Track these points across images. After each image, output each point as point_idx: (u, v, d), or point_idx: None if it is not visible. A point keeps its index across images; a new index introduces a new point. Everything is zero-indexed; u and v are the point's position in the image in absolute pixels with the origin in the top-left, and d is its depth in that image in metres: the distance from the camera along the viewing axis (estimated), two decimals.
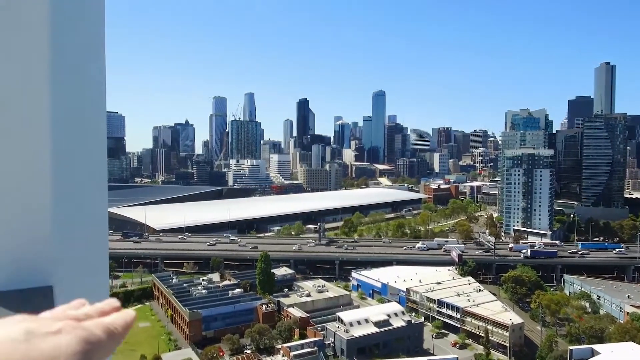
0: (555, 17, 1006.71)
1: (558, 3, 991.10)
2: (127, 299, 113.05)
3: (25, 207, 1.91)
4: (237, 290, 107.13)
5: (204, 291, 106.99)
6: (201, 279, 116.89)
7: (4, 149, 1.85)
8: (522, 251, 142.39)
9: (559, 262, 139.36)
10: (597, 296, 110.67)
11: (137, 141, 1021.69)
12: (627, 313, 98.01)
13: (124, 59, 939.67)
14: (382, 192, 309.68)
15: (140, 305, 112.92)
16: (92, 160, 2.12)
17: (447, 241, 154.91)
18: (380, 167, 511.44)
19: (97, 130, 2.12)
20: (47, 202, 1.93)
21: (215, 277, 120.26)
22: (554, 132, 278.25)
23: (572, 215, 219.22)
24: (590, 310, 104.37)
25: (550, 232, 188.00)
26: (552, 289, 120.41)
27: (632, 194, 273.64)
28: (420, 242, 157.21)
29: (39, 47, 1.85)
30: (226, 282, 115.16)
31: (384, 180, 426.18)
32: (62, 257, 1.99)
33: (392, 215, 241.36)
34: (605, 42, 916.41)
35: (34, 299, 1.82)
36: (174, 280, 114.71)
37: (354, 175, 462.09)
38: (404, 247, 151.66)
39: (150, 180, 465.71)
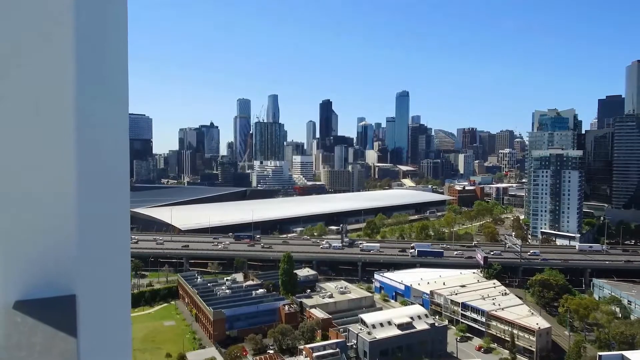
0: (584, 14, 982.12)
1: (588, 0, 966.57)
2: (153, 298, 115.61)
3: (50, 216, 1.94)
4: (260, 290, 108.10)
5: (227, 291, 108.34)
6: (225, 279, 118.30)
7: (30, 160, 1.88)
8: (410, 251, 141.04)
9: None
10: (628, 301, 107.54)
11: (164, 143, 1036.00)
12: None
13: (150, 63, 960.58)
14: (405, 193, 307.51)
15: (165, 304, 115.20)
16: (115, 167, 2.14)
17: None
18: (404, 168, 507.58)
19: (120, 137, 2.14)
20: (71, 211, 1.96)
21: (239, 277, 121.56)
22: (583, 132, 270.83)
23: (602, 218, 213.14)
24: (620, 316, 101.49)
25: (579, 235, 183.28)
26: (580, 294, 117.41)
27: None
28: (325, 240, 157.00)
29: (65, 50, 1.87)
30: (250, 282, 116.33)
31: (407, 182, 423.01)
32: (85, 266, 2.02)
33: (416, 216, 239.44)
34: (637, 40, 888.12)
35: (57, 307, 1.86)
36: (199, 279, 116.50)
37: (376, 176, 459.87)
38: (320, 246, 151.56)
39: (176, 181, 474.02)
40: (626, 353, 74.96)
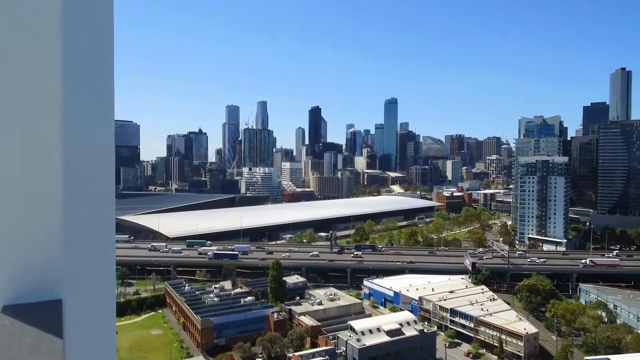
0: (570, 23, 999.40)
1: (573, 9, 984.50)
2: (140, 306, 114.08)
3: (37, 221, 1.96)
4: (249, 298, 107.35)
5: (216, 299, 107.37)
6: (213, 286, 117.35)
7: (16, 166, 1.89)
8: (207, 254, 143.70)
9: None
10: (614, 305, 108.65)
11: (152, 150, 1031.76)
12: None
13: (138, 69, 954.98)
14: (394, 199, 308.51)
15: (152, 313, 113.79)
16: (101, 172, 2.16)
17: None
18: (393, 174, 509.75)
19: (106, 143, 2.15)
20: (57, 215, 1.98)
21: (227, 284, 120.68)
22: (568, 139, 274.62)
23: (587, 223, 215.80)
24: (606, 320, 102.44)
25: (565, 241, 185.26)
26: (567, 298, 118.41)
27: None
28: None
29: (52, 55, 1.90)
30: (238, 290, 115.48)
31: (396, 188, 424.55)
32: (72, 270, 2.06)
33: (405, 223, 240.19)
34: (621, 48, 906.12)
35: (44, 312, 1.91)
36: (187, 287, 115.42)
37: (365, 183, 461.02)
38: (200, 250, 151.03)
39: (164, 188, 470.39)
40: (612, 357, 75.74)
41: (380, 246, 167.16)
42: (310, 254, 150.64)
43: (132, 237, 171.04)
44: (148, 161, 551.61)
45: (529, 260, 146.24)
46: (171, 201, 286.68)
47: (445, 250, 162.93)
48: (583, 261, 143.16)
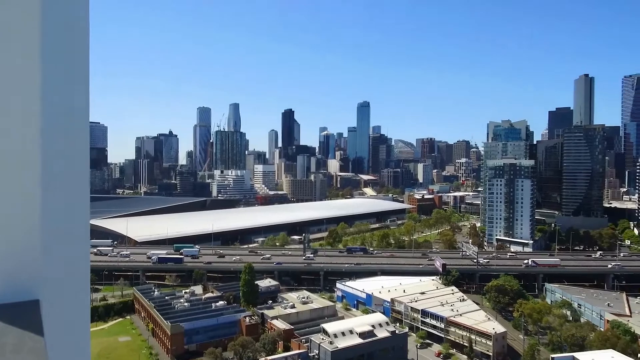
0: (535, 30, 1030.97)
1: (538, 16, 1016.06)
2: (107, 312, 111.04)
3: (14, 221, 1.98)
4: (221, 302, 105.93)
5: (186, 304, 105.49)
6: (183, 291, 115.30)
7: None
8: (152, 258, 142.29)
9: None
10: (578, 304, 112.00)
11: (120, 152, 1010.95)
12: (608, 321, 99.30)
13: (106, 69, 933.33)
14: (366, 202, 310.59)
15: (120, 319, 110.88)
16: (78, 174, 2.19)
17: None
18: (365, 177, 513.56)
19: (82, 144, 2.18)
20: (35, 216, 2.00)
21: (198, 289, 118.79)
22: (534, 142, 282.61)
23: (553, 225, 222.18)
24: (571, 319, 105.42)
25: (532, 242, 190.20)
26: (534, 298, 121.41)
27: (610, 204, 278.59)
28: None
29: (31, 58, 1.91)
30: (209, 295, 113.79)
31: (368, 191, 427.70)
32: (49, 271, 2.09)
33: (377, 225, 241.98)
34: (585, 55, 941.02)
35: (21, 312, 1.93)
36: (156, 293, 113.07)
37: (338, 185, 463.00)
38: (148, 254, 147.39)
39: (132, 191, 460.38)
40: (577, 354, 78.19)
41: (371, 249, 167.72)
42: (262, 257, 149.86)
43: (116, 242, 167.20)
44: (116, 163, 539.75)
45: (474, 260, 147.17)
46: (140, 204, 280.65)
47: (438, 252, 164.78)
48: (525, 261, 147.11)
